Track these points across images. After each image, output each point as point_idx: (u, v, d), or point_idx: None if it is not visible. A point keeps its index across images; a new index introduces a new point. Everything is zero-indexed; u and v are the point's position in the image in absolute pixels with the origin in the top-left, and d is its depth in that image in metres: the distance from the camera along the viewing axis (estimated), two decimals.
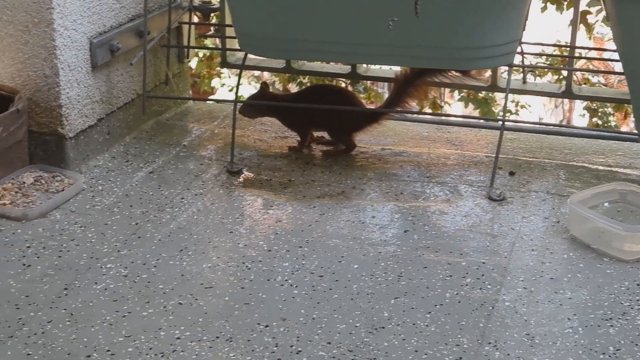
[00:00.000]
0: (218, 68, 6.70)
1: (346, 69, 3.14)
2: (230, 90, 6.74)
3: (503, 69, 3.06)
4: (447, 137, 3.00)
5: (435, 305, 1.98)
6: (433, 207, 2.48)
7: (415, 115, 3.17)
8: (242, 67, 2.93)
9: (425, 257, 2.19)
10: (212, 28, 4.46)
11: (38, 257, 2.17)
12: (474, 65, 2.64)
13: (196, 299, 2.00)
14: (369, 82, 5.93)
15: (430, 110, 6.31)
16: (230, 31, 3.04)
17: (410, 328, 1.89)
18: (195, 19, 3.29)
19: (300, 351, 1.81)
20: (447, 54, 2.54)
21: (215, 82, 6.92)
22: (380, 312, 1.95)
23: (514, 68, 2.78)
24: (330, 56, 2.85)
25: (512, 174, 2.68)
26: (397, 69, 2.87)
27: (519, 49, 2.73)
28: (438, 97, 6.77)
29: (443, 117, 3.58)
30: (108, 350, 1.80)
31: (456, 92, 6.25)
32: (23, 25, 2.50)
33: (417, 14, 2.39)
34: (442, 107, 6.81)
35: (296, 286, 2.06)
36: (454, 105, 7.39)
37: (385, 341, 1.84)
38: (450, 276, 2.11)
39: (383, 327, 1.89)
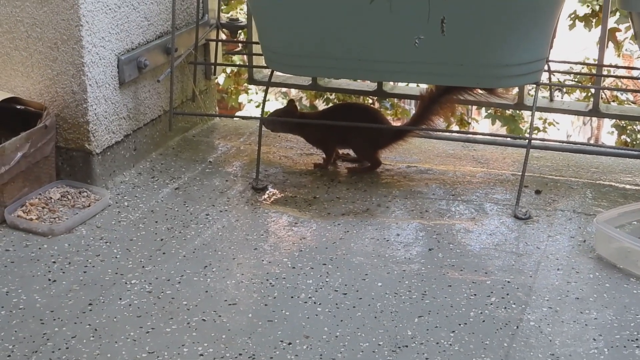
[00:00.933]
0: (245, 84, 6.73)
1: (372, 86, 3.14)
2: (258, 106, 6.77)
3: (530, 86, 3.06)
4: (473, 154, 3.00)
5: (460, 324, 1.97)
6: (458, 225, 2.47)
7: (441, 132, 3.16)
8: (269, 84, 2.94)
9: (450, 276, 2.18)
10: (239, 45, 4.49)
11: (63, 273, 2.19)
12: (501, 83, 2.64)
13: (220, 316, 2.00)
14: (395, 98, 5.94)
15: (457, 127, 6.31)
16: (257, 48, 3.05)
17: (433, 347, 1.88)
18: (223, 36, 3.30)
19: None
20: (473, 72, 2.54)
21: (242, 97, 6.96)
22: (404, 331, 1.94)
23: (541, 86, 2.76)
24: (357, 74, 2.85)
25: (538, 192, 2.67)
26: (423, 86, 2.86)
27: (545, 67, 2.72)
28: (465, 113, 6.76)
29: (469, 135, 3.56)
30: None
31: (483, 109, 6.24)
32: (52, 42, 2.53)
33: (444, 32, 2.39)
34: (469, 123, 6.80)
35: (320, 304, 2.06)
36: (482, 122, 7.38)
37: None
38: (475, 295, 2.09)
39: (406, 346, 1.89)
